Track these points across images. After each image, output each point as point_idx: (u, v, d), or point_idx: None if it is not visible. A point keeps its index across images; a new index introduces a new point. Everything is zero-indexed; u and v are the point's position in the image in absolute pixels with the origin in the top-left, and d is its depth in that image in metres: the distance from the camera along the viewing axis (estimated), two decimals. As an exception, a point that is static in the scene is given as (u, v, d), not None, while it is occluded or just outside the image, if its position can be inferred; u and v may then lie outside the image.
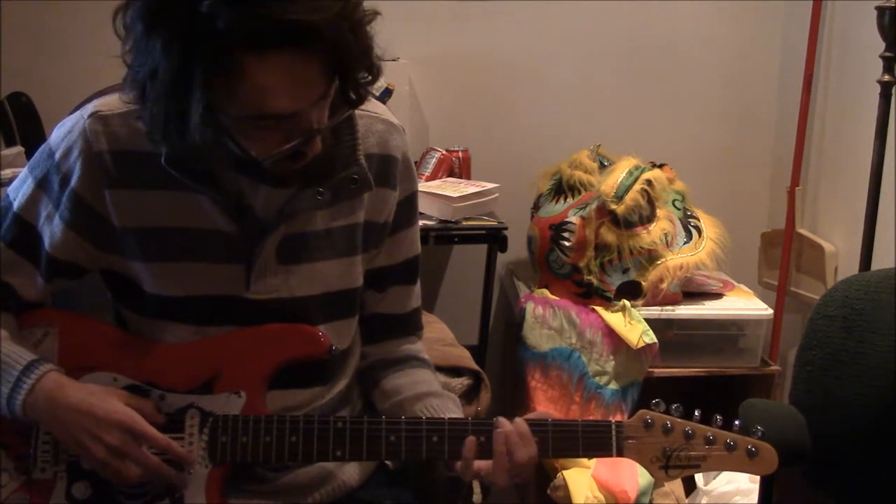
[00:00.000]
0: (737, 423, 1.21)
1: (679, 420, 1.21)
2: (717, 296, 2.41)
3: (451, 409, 1.35)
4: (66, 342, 1.26)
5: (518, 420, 1.21)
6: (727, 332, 2.37)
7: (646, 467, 1.21)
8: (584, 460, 2.16)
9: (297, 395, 1.30)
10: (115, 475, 1.18)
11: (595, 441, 1.21)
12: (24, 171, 1.27)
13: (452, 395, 1.41)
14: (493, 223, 2.33)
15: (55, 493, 1.22)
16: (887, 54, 2.07)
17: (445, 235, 2.29)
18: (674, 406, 1.21)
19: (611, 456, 1.21)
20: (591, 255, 2.26)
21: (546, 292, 2.35)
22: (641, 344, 2.21)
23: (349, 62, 1.08)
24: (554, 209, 2.34)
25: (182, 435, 1.22)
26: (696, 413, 1.22)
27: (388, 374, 1.41)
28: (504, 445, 1.19)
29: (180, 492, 1.21)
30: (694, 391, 2.57)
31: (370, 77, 1.14)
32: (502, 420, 1.21)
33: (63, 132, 1.23)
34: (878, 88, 2.09)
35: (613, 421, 1.21)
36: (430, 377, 1.42)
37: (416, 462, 1.37)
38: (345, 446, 1.21)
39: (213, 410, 1.23)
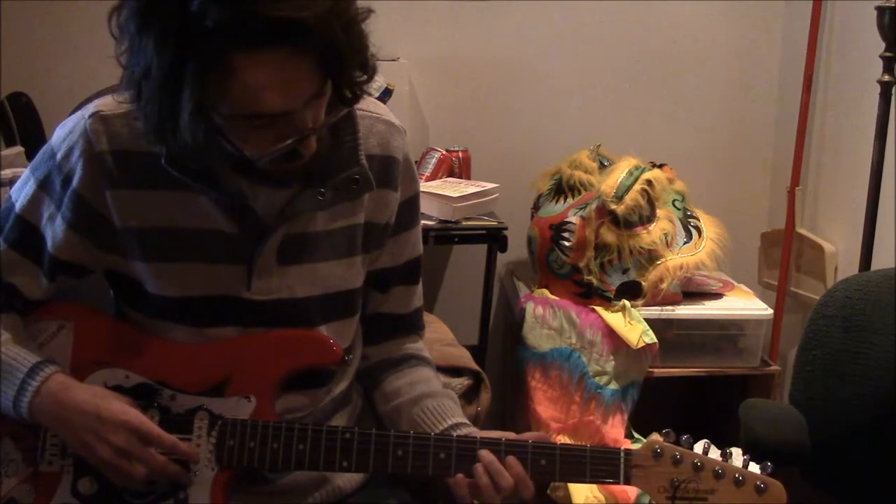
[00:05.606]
0: (745, 456, 1.20)
1: (689, 451, 1.20)
2: (717, 296, 2.41)
3: (448, 408, 1.35)
4: (80, 337, 1.26)
5: (509, 459, 1.19)
6: (727, 332, 2.36)
7: (652, 496, 1.20)
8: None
9: (300, 398, 1.30)
10: (120, 476, 1.18)
11: (603, 468, 1.20)
12: (26, 172, 1.27)
13: (450, 392, 1.41)
14: (493, 223, 2.33)
15: (61, 488, 1.22)
16: (887, 54, 2.07)
17: (445, 235, 2.29)
18: (684, 437, 1.20)
19: (618, 483, 1.20)
20: (591, 255, 2.26)
21: (546, 292, 2.35)
22: (641, 344, 2.21)
23: (342, 60, 1.08)
24: (554, 209, 2.35)
25: (190, 436, 1.22)
26: (706, 444, 1.20)
27: (388, 375, 1.41)
28: (486, 477, 1.19)
29: (185, 492, 1.21)
30: (694, 391, 2.58)
31: (365, 76, 1.13)
32: (482, 453, 1.20)
33: (64, 133, 1.22)
34: (878, 88, 2.10)
35: (622, 448, 1.20)
36: (429, 374, 1.42)
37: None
38: (351, 458, 1.21)
39: (222, 413, 1.22)
